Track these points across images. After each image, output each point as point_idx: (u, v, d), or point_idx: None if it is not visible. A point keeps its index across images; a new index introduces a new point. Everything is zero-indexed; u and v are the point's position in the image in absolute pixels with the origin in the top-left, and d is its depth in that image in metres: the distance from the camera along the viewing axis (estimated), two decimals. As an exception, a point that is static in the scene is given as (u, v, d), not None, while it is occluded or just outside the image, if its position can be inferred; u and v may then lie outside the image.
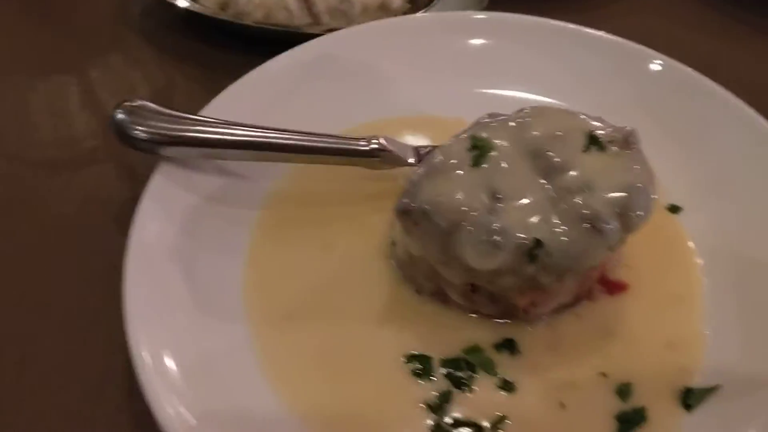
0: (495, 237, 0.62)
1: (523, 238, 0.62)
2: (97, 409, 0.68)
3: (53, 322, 0.74)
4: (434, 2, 1.04)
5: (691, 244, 0.78)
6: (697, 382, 0.68)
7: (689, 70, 0.89)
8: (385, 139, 0.80)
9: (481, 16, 0.99)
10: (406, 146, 0.82)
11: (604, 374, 0.68)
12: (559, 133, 0.67)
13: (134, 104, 0.77)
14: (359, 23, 1.02)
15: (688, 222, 0.80)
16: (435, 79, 0.93)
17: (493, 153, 0.66)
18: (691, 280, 0.76)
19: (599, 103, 0.87)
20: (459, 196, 0.64)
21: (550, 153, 0.65)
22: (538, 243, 0.62)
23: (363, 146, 0.79)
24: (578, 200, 0.63)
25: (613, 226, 0.63)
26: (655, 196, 0.66)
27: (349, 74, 0.91)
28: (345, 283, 0.75)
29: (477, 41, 0.95)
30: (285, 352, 0.69)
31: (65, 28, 1.09)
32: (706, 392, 0.67)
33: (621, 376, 0.68)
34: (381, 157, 0.79)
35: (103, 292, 0.73)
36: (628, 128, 0.68)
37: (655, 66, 0.90)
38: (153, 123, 0.76)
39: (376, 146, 0.79)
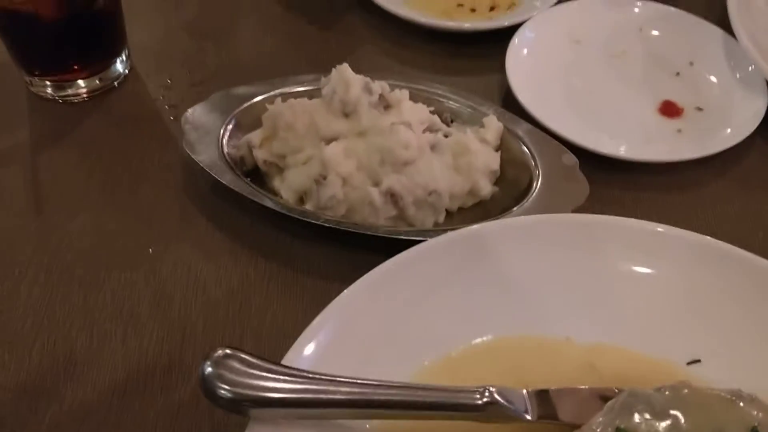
0: None
1: None
2: None
3: None
4: (531, 191, 0.96)
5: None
6: None
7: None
8: (497, 389, 0.72)
9: (604, 221, 0.88)
10: (519, 395, 0.73)
11: None
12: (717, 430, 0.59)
13: (224, 355, 0.70)
14: (445, 213, 0.96)
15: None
16: (536, 292, 0.85)
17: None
18: None
19: (732, 330, 0.80)
20: None
21: (714, 464, 0.57)
22: None
23: (471, 401, 0.71)
24: None
25: None
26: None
27: (448, 288, 0.84)
28: None
29: (593, 251, 0.87)
30: None
31: (130, 206, 1.03)
32: None
33: None
34: (496, 415, 0.71)
35: None
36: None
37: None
38: (239, 380, 0.69)
39: (488, 400, 0.71)
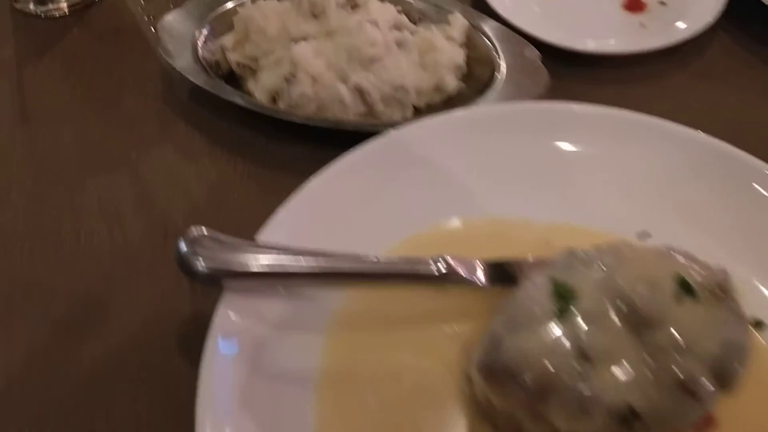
0: (586, 403, 0.59)
1: (616, 406, 0.59)
2: None
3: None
4: (493, 84, 1.00)
5: (778, 367, 0.75)
6: None
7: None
8: (452, 258, 0.77)
9: (558, 107, 0.94)
10: (473, 264, 0.78)
11: None
12: (648, 280, 0.64)
13: (197, 235, 0.75)
14: (413, 109, 1.00)
15: (771, 338, 0.77)
16: (499, 178, 0.90)
17: (577, 302, 0.63)
18: (783, 409, 0.72)
19: (683, 207, 0.85)
20: (547, 356, 0.61)
21: (640, 305, 0.62)
22: (632, 412, 0.59)
23: (428, 270, 0.76)
24: (673, 362, 0.60)
25: (711, 390, 0.59)
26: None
27: (413, 175, 0.88)
28: (417, 418, 0.72)
29: (549, 136, 0.91)
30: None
31: (113, 115, 1.07)
32: None
33: None
34: (450, 281, 0.76)
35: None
36: (720, 271, 0.64)
37: (743, 167, 0.86)
38: (214, 255, 0.74)
39: (443, 269, 0.76)
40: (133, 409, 0.77)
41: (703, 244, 0.78)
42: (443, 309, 0.79)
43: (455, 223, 0.87)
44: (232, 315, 0.74)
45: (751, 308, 0.77)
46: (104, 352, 0.81)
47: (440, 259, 0.77)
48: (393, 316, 0.79)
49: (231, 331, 0.73)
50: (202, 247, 0.75)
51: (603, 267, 0.66)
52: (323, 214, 0.83)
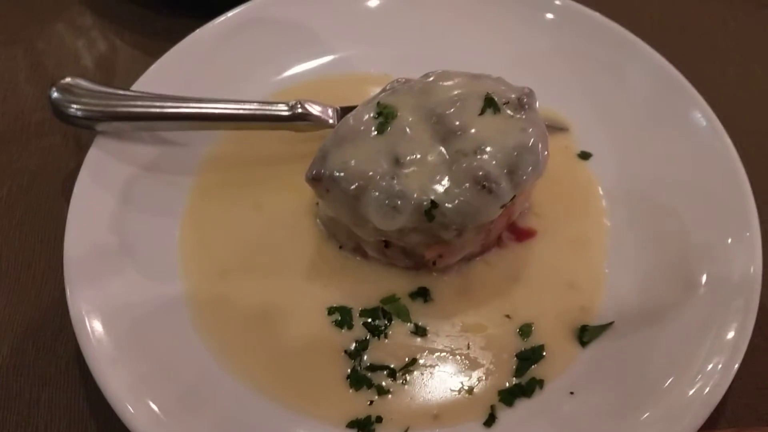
0: (396, 200, 0.68)
1: (420, 201, 0.67)
2: (50, 367, 0.75)
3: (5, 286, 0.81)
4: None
5: (599, 188, 0.84)
6: (593, 320, 0.75)
7: (598, 16, 0.92)
8: (308, 102, 0.85)
9: None
10: (328, 108, 0.86)
11: (508, 316, 0.75)
12: (459, 98, 0.72)
13: (69, 82, 0.82)
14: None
15: (597, 168, 0.86)
16: (364, 39, 0.96)
17: (397, 119, 0.71)
18: (596, 224, 0.81)
19: (515, 55, 0.93)
20: (364, 162, 0.69)
21: (449, 118, 0.70)
22: (434, 204, 0.67)
23: (284, 111, 0.84)
24: (471, 163, 0.68)
25: (503, 185, 0.68)
26: (547, 152, 0.71)
27: (282, 37, 0.95)
28: (274, 241, 0.81)
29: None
30: (217, 308, 0.76)
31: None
32: (600, 329, 0.74)
33: (523, 318, 0.75)
34: (304, 120, 0.84)
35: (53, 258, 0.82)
36: (525, 89, 0.72)
37: (568, 14, 0.94)
38: (87, 100, 0.81)
39: (298, 110, 0.84)
40: (19, 239, 0.85)
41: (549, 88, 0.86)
42: (303, 151, 0.86)
43: (318, 78, 0.94)
44: (103, 154, 0.81)
45: (582, 143, 0.88)
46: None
47: (297, 102, 0.84)
48: (257, 158, 0.87)
49: (102, 168, 0.80)
50: (76, 94, 0.81)
51: (423, 91, 0.73)
52: (197, 69, 0.90)
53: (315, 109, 0.84)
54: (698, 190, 0.80)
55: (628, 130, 0.87)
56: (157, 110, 0.81)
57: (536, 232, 0.81)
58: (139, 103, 0.82)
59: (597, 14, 0.92)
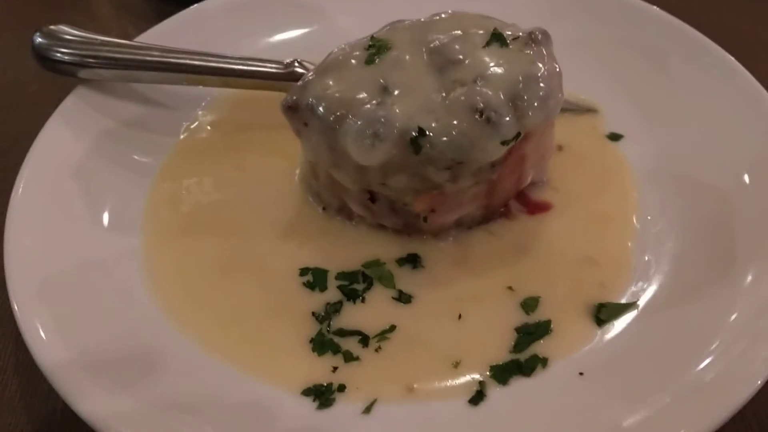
0: (378, 127, 0.58)
1: (406, 128, 0.58)
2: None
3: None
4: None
5: (628, 167, 0.73)
6: (613, 298, 0.62)
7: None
8: (306, 61, 0.77)
9: None
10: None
11: (511, 288, 0.63)
12: (461, 32, 0.63)
13: (53, 28, 0.77)
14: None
15: (628, 148, 0.75)
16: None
17: (390, 51, 0.63)
18: (623, 201, 0.70)
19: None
20: (346, 90, 0.60)
21: (448, 47, 0.61)
22: (421, 132, 0.57)
23: (279, 69, 0.76)
24: (470, 91, 0.58)
25: (505, 117, 0.58)
26: (561, 95, 0.61)
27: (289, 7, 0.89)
28: (253, 200, 0.72)
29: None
30: (173, 262, 0.66)
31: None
32: (621, 308, 0.61)
33: (529, 291, 0.63)
34: (298, 76, 0.76)
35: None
36: (540, 30, 0.63)
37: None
38: (71, 46, 0.76)
39: (295, 68, 0.76)
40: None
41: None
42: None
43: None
44: (81, 102, 0.75)
45: (612, 124, 0.77)
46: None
47: (294, 60, 0.77)
48: (246, 124, 0.79)
49: (78, 115, 0.74)
50: (59, 40, 0.76)
51: (424, 27, 0.65)
52: (196, 39, 0.84)
53: (312, 67, 0.77)
54: (748, 177, 0.68)
55: (663, 111, 0.76)
56: (142, 57, 0.75)
57: (551, 206, 0.69)
58: (124, 50, 0.76)
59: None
